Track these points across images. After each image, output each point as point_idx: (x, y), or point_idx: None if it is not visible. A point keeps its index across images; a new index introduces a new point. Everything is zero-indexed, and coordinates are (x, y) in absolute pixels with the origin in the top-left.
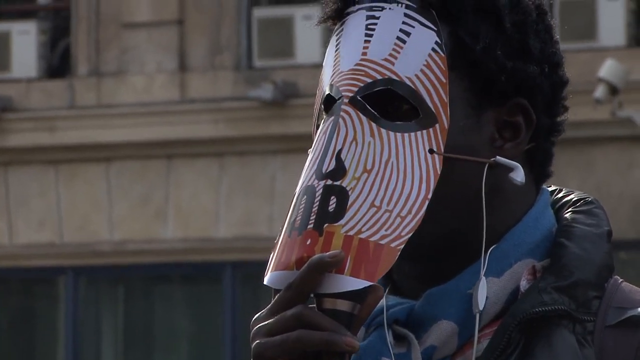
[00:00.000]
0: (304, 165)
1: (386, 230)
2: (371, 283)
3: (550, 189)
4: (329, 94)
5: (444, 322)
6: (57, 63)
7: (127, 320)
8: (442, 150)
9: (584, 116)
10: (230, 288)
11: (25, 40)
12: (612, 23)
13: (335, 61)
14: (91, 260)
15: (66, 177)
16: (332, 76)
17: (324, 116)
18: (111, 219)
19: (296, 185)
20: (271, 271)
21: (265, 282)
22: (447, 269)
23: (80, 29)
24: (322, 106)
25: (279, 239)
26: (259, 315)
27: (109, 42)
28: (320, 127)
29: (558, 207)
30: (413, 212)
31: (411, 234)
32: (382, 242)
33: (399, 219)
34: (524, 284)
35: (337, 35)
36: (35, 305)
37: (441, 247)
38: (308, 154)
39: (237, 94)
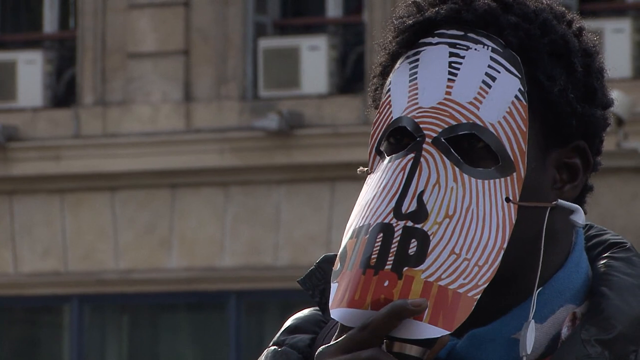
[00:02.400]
0: (367, 191)
1: (464, 279)
2: (449, 332)
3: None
4: (404, 126)
5: None
6: (63, 92)
7: (132, 349)
8: (517, 199)
9: None
10: (234, 317)
11: (31, 69)
12: (618, 54)
13: (411, 92)
14: (96, 288)
15: (71, 206)
16: (407, 108)
17: (392, 141)
18: (116, 248)
19: (302, 213)
20: (340, 306)
21: (334, 317)
22: (491, 309)
23: (86, 58)
24: (390, 133)
25: (342, 270)
26: (325, 349)
27: (115, 72)
28: (394, 161)
29: (590, 246)
30: (490, 261)
31: (487, 284)
32: (460, 290)
33: (476, 268)
34: (564, 332)
35: (410, 64)
36: (40, 334)
37: (491, 289)
38: (367, 178)
39: (242, 124)
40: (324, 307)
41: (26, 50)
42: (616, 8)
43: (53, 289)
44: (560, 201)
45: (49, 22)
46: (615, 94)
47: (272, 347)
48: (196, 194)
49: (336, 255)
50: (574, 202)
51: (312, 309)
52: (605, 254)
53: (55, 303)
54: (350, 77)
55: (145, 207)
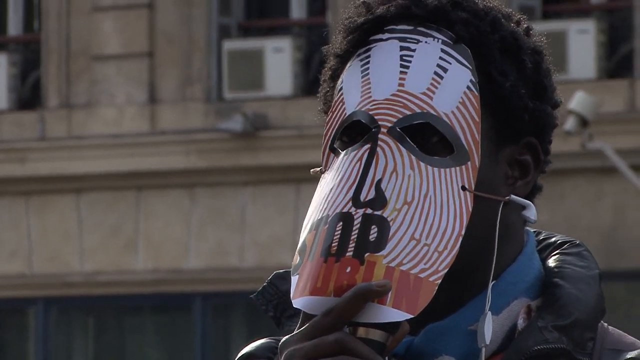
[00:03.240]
0: (323, 186)
1: (425, 264)
2: (412, 316)
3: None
4: (358, 119)
5: (445, 357)
6: (28, 95)
7: (98, 351)
8: (473, 188)
9: (555, 148)
10: (200, 319)
11: None
12: (582, 56)
13: (364, 87)
14: (62, 291)
15: (37, 208)
16: (361, 102)
17: (345, 139)
18: (82, 250)
19: (268, 215)
20: (303, 295)
21: (297, 306)
22: (447, 304)
23: (50, 61)
24: (344, 130)
25: (304, 262)
26: (289, 338)
27: (79, 74)
28: (349, 153)
29: (540, 249)
30: (449, 247)
31: (447, 269)
32: (422, 275)
33: (436, 254)
34: (520, 323)
35: (362, 61)
36: (6, 336)
37: (447, 284)
38: (322, 177)
39: (207, 126)
40: (278, 322)
41: None
42: (580, 9)
43: (18, 292)
44: (513, 197)
45: (14, 25)
46: (579, 95)
47: None
48: (162, 196)
49: (288, 271)
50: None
51: (266, 338)
52: (556, 252)
53: (21, 306)
54: (314, 78)
55: (111, 209)
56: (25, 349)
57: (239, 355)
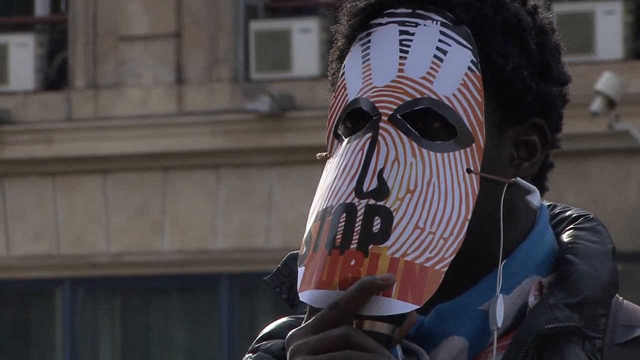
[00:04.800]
0: (328, 174)
1: (430, 252)
2: (418, 306)
3: (545, 203)
4: (360, 107)
5: (455, 337)
6: (55, 76)
7: (124, 331)
8: (479, 169)
9: (581, 129)
10: (227, 300)
11: (23, 53)
12: (609, 36)
13: (365, 73)
14: (88, 271)
15: (63, 189)
16: (362, 89)
17: (348, 125)
18: (108, 231)
19: (295, 196)
20: (309, 288)
21: (303, 299)
22: (456, 284)
23: (77, 41)
24: (347, 116)
25: (309, 253)
26: (295, 332)
27: (106, 55)
28: (352, 142)
29: (555, 223)
30: (455, 233)
31: (454, 255)
32: (427, 264)
33: (442, 241)
34: (531, 300)
35: (362, 46)
36: (32, 317)
37: (454, 264)
38: (327, 163)
39: (234, 107)
40: (292, 303)
41: (18, 34)
42: None
43: (45, 272)
44: (519, 179)
45: (41, 6)
46: (606, 76)
47: (247, 355)
48: (188, 177)
49: None
50: (533, 179)
51: (287, 317)
52: (570, 226)
53: (48, 286)
54: None
55: (137, 190)
56: (51, 329)
57: (261, 334)
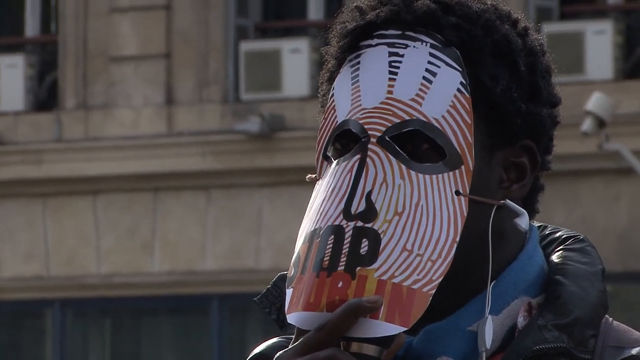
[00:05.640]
0: (317, 196)
1: (418, 274)
2: (405, 329)
3: (536, 224)
4: (349, 128)
5: (444, 358)
6: (45, 96)
7: (114, 352)
8: (468, 191)
9: (571, 149)
10: (217, 320)
11: (13, 73)
12: (599, 56)
13: (354, 95)
14: (78, 293)
15: (53, 210)
16: (351, 110)
17: (338, 146)
18: (98, 252)
19: (284, 216)
20: (297, 310)
21: (291, 321)
22: (445, 305)
23: (67, 62)
24: (336, 138)
25: (297, 275)
26: (283, 354)
27: (97, 76)
28: (341, 164)
29: (545, 244)
30: (443, 255)
31: (442, 278)
32: (415, 287)
33: (430, 263)
34: (520, 321)
35: (352, 67)
36: (22, 339)
37: (443, 285)
38: (316, 184)
39: (224, 127)
40: (281, 324)
41: (8, 54)
42: (597, 10)
43: (35, 294)
44: (508, 202)
45: (31, 26)
46: (596, 96)
47: None
48: (178, 198)
49: None
50: (524, 201)
51: (277, 337)
52: (560, 247)
53: (38, 308)
54: None
55: (127, 211)
56: (41, 350)
57: (251, 354)
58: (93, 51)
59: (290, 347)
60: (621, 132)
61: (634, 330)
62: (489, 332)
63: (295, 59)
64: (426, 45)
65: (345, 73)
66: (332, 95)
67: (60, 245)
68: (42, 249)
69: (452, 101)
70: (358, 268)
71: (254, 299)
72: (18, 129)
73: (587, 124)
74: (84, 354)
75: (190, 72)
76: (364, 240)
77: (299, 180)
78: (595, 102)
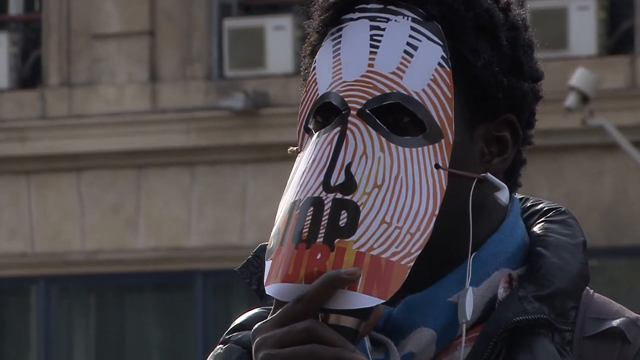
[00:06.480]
0: (297, 168)
1: (397, 247)
2: (383, 301)
3: (517, 197)
4: (329, 101)
5: (424, 329)
6: (28, 74)
7: (99, 329)
8: (448, 165)
9: (555, 124)
10: (201, 297)
11: None
12: (583, 32)
13: (335, 68)
14: (63, 269)
15: (38, 187)
16: (332, 83)
17: (319, 119)
18: (83, 229)
19: (269, 193)
20: (275, 282)
21: (269, 293)
22: (425, 276)
23: (51, 40)
24: (317, 110)
25: (276, 247)
26: (260, 325)
27: (80, 53)
28: (321, 136)
29: (527, 216)
30: (422, 228)
31: (421, 250)
32: (393, 259)
33: (408, 236)
34: (501, 293)
35: (333, 41)
36: (7, 315)
37: (423, 257)
38: (298, 156)
39: (208, 104)
40: (261, 295)
41: None
42: None
43: (19, 271)
44: (489, 175)
45: (14, 4)
46: (580, 72)
47: (218, 347)
48: (162, 174)
49: None
50: (505, 175)
51: (258, 308)
52: (541, 219)
53: (22, 284)
54: None
55: (112, 188)
56: (26, 327)
57: (232, 325)
58: (77, 29)
59: (268, 318)
60: (605, 107)
61: (614, 302)
62: (469, 303)
63: (279, 35)
64: (408, 19)
65: (326, 46)
66: (314, 68)
67: (45, 222)
68: (26, 226)
69: (433, 75)
70: (337, 240)
71: (235, 269)
72: (2, 106)
73: (570, 100)
74: (69, 330)
75: (174, 50)
76: (343, 212)
77: (284, 156)
78: (579, 77)
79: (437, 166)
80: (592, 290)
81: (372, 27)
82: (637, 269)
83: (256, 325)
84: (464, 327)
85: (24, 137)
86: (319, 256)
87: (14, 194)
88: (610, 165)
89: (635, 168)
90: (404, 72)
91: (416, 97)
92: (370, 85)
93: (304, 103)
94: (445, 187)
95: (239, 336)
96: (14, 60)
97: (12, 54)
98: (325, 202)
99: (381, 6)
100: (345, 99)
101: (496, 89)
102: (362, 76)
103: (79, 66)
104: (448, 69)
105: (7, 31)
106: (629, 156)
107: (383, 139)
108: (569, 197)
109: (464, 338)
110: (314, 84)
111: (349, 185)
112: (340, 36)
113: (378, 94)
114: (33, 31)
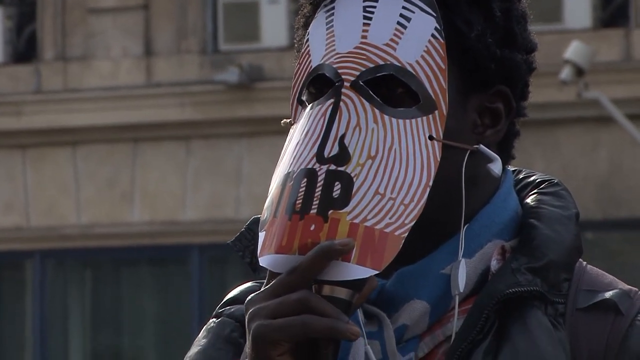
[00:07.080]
0: (291, 140)
1: (390, 218)
2: (377, 272)
3: (510, 169)
4: (323, 73)
5: (417, 301)
6: (23, 48)
7: (95, 303)
8: (441, 136)
9: (550, 97)
10: (197, 270)
11: None
12: (577, 5)
13: (328, 40)
14: (58, 243)
15: (33, 161)
16: (325, 55)
17: (312, 90)
18: (78, 203)
19: (264, 167)
20: (269, 253)
21: (263, 264)
22: (418, 248)
23: (46, 14)
24: (310, 82)
25: (269, 218)
26: (254, 296)
27: (75, 27)
28: (314, 108)
29: (520, 188)
30: (415, 199)
31: (414, 221)
32: (387, 230)
33: (402, 207)
34: (494, 264)
35: (327, 13)
36: (2, 289)
37: (416, 228)
38: (291, 128)
39: (203, 78)
40: (254, 267)
41: None
42: None
43: (15, 245)
44: (482, 147)
45: None
46: (575, 44)
47: (211, 320)
48: (157, 148)
49: None
50: (498, 147)
51: (251, 282)
52: (534, 191)
53: (18, 258)
54: None
55: (107, 162)
56: (22, 301)
57: (225, 299)
58: (71, 3)
59: (262, 289)
60: (600, 80)
61: (607, 275)
62: (462, 275)
63: (273, 9)
64: None
65: (320, 18)
66: (307, 40)
67: (40, 196)
68: (21, 200)
69: (427, 46)
70: (330, 211)
71: (228, 241)
72: None
73: (565, 73)
74: (65, 304)
75: (169, 23)
76: (337, 183)
77: (279, 130)
78: (573, 50)
79: (430, 137)
80: (585, 262)
81: None
82: (632, 241)
83: (249, 297)
84: (457, 299)
85: (19, 112)
86: (312, 227)
87: (9, 168)
88: (606, 138)
89: (630, 141)
90: (397, 43)
91: (410, 69)
92: (364, 57)
93: (297, 75)
94: (439, 159)
95: (232, 310)
96: (8, 34)
97: (7, 28)
98: (319, 173)
99: None
100: (339, 71)
101: (489, 60)
102: (356, 48)
103: (74, 40)
104: (442, 40)
105: (2, 5)
106: (624, 129)
107: (377, 111)
108: (565, 170)
109: (456, 310)
110: (307, 56)
111: (343, 156)
112: (333, 8)
113: (371, 65)
114: (28, 5)
